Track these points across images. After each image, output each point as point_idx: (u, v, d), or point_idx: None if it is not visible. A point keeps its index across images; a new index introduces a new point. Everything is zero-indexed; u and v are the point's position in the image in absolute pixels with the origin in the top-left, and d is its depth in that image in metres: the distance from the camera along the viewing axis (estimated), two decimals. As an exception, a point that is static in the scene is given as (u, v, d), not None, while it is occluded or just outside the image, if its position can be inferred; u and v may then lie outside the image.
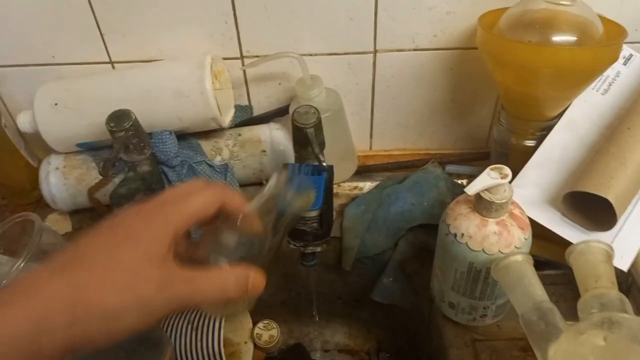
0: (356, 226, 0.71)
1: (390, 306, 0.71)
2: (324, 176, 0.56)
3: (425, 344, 0.67)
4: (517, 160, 0.66)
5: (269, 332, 0.75)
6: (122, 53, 0.71)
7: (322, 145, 0.60)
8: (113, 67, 0.73)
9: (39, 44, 0.70)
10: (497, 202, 0.49)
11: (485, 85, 0.73)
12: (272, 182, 0.39)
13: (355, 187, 0.77)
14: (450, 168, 0.77)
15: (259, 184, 0.76)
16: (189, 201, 0.34)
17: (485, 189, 0.49)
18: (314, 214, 0.57)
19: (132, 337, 0.30)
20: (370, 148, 0.83)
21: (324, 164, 0.56)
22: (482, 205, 0.50)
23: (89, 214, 0.74)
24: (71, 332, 0.29)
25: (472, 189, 0.48)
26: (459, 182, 0.76)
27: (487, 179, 0.48)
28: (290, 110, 0.72)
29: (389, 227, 0.70)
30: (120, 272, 0.30)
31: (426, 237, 0.69)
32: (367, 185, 0.77)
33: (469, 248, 0.51)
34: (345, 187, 0.76)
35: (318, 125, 0.59)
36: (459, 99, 0.75)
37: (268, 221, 0.38)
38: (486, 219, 0.50)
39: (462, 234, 0.51)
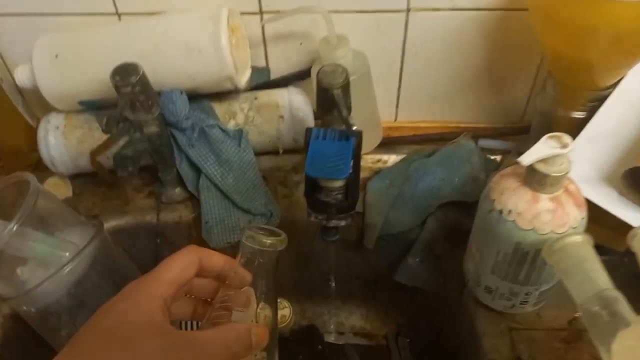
0: (380, 202, 0.65)
1: (412, 289, 0.65)
2: (352, 142, 0.50)
3: (452, 331, 0.62)
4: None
5: (280, 311, 0.70)
6: (130, 2, 0.65)
7: (349, 109, 0.54)
8: (119, 19, 0.66)
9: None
10: (554, 175, 0.43)
11: (527, 53, 0.67)
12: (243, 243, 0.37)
13: (379, 160, 0.71)
14: (483, 143, 0.71)
15: (275, 152, 0.70)
16: (166, 268, 0.34)
17: (540, 160, 0.43)
18: (339, 184, 0.51)
19: None
20: (396, 119, 0.76)
21: (354, 127, 0.49)
22: (534, 178, 0.44)
23: (91, 179, 0.69)
24: None
25: (526, 158, 0.42)
26: (492, 158, 0.70)
27: (545, 149, 0.42)
28: (313, 73, 0.66)
29: (416, 203, 0.64)
30: (122, 352, 0.30)
31: (457, 215, 0.63)
32: (391, 159, 0.71)
33: (517, 227, 0.45)
34: (367, 159, 0.70)
35: (346, 87, 0.53)
36: (496, 68, 0.69)
37: (255, 272, 0.37)
38: (538, 194, 0.44)
39: (510, 211, 0.45)
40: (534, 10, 0.55)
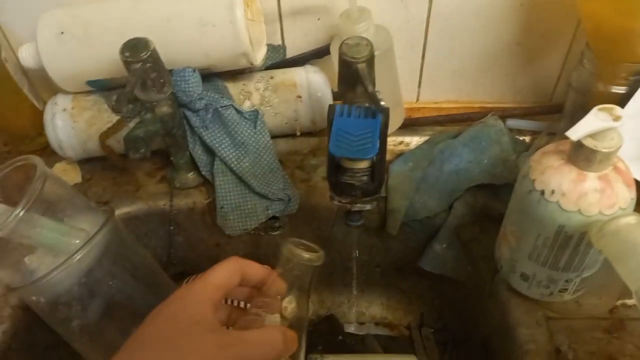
0: (403, 185, 0.62)
1: (436, 276, 0.62)
2: (379, 119, 0.47)
3: (481, 321, 0.59)
4: (599, 111, 0.56)
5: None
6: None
7: (374, 85, 0.51)
8: (128, -5, 0.63)
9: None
10: (603, 151, 0.39)
11: (560, 26, 0.63)
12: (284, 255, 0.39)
13: (401, 142, 0.67)
14: (512, 123, 0.67)
15: (292, 135, 0.66)
16: (212, 275, 0.36)
17: (588, 135, 0.39)
18: (364, 164, 0.48)
19: None
20: (418, 99, 0.73)
21: (382, 103, 0.46)
22: (581, 155, 0.40)
23: (101, 164, 0.66)
24: None
25: (575, 132, 0.38)
26: (521, 139, 0.66)
27: (596, 121, 0.38)
28: (332, 50, 0.62)
29: (441, 187, 0.61)
30: (179, 347, 0.32)
31: (487, 199, 0.60)
32: (414, 141, 0.67)
33: (561, 208, 0.41)
34: (389, 142, 0.66)
35: (370, 60, 0.50)
36: (527, 42, 0.65)
37: (291, 283, 0.39)
38: (585, 172, 0.41)
39: (553, 191, 0.42)
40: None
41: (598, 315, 0.50)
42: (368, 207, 0.50)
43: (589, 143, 0.39)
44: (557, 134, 0.63)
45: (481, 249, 0.57)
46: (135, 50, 0.51)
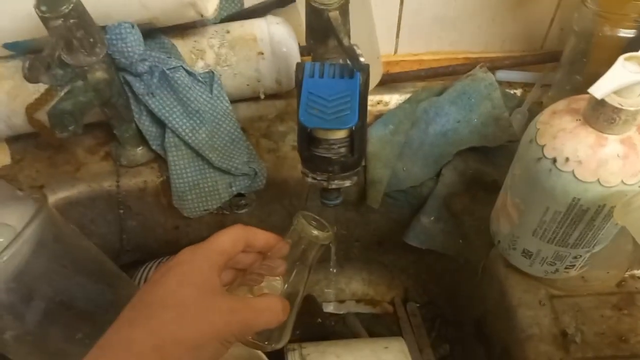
0: (384, 152, 0.55)
1: (421, 250, 0.56)
2: (358, 79, 0.39)
3: (474, 298, 0.54)
4: (604, 58, 0.49)
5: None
6: None
7: (349, 36, 0.43)
8: None
9: None
10: (630, 109, 0.32)
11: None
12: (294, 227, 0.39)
13: (380, 102, 0.60)
14: (502, 75, 0.60)
15: (255, 98, 0.58)
16: (216, 241, 0.36)
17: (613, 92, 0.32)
18: (341, 134, 0.40)
19: None
20: (396, 52, 0.65)
21: (361, 59, 0.38)
22: (602, 114, 0.34)
23: (33, 141, 0.57)
24: None
25: (600, 89, 0.31)
26: (512, 92, 0.60)
27: (625, 74, 0.31)
28: (297, -4, 0.53)
29: (427, 152, 0.54)
30: (192, 308, 0.32)
31: (479, 164, 0.54)
32: (393, 99, 0.60)
33: (576, 178, 0.35)
34: (365, 101, 0.59)
35: (344, 7, 0.41)
36: (517, -19, 0.57)
37: (295, 254, 0.39)
38: (605, 135, 0.34)
39: (567, 159, 0.35)
40: None
41: (606, 291, 0.45)
42: (347, 183, 0.42)
43: (612, 100, 0.33)
44: (552, 85, 0.57)
45: (474, 221, 0.51)
46: (54, 3, 0.41)
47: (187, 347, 0.31)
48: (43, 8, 0.41)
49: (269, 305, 0.35)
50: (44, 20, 0.42)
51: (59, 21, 0.42)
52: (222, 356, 0.33)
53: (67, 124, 0.43)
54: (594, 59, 0.51)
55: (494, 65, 0.60)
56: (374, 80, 0.59)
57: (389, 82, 0.61)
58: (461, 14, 0.60)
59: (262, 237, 0.38)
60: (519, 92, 0.60)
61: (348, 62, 0.40)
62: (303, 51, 0.57)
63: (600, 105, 0.33)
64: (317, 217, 0.40)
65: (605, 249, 0.43)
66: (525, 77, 0.60)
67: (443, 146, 0.54)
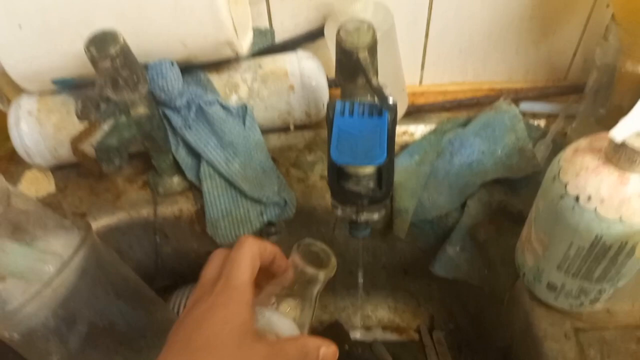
0: (410, 182, 0.56)
1: (447, 278, 0.57)
2: (386, 117, 0.41)
3: (501, 328, 0.54)
4: (626, 92, 0.51)
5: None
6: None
7: (377, 74, 0.45)
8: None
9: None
10: (652, 151, 0.33)
11: (578, -4, 0.57)
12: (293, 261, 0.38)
13: (405, 133, 0.62)
14: (526, 106, 0.61)
15: (285, 129, 0.60)
16: (242, 270, 0.34)
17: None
18: (370, 169, 0.42)
19: None
20: (421, 83, 0.67)
21: (390, 99, 0.40)
22: (623, 155, 0.35)
23: (76, 170, 0.60)
24: None
25: (621, 132, 0.33)
26: (535, 124, 0.61)
27: (645, 118, 0.32)
28: (326, 33, 0.55)
29: (452, 182, 0.56)
30: (236, 355, 0.31)
31: (503, 195, 0.55)
32: (419, 130, 0.62)
33: (598, 216, 0.36)
34: (392, 132, 0.61)
35: (373, 48, 0.43)
36: (541, 14, 0.59)
37: (298, 289, 0.37)
38: (627, 174, 0.35)
39: (589, 197, 0.36)
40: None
41: (631, 324, 0.45)
42: (376, 216, 0.44)
43: (633, 142, 0.34)
44: (576, 116, 0.58)
45: (499, 252, 0.52)
46: (102, 45, 0.45)
47: None
48: (93, 50, 0.45)
49: (304, 350, 0.34)
50: (93, 61, 0.45)
51: (107, 62, 0.45)
52: None
53: (113, 158, 0.46)
54: (617, 93, 0.52)
55: (518, 97, 0.62)
56: (399, 111, 0.61)
57: (415, 112, 0.63)
58: (484, 45, 0.62)
59: (271, 252, 0.37)
60: (542, 122, 0.61)
61: (376, 100, 0.42)
62: (331, 83, 0.59)
63: (621, 146, 0.34)
64: (319, 245, 0.39)
65: (630, 282, 0.43)
66: (549, 108, 0.61)
67: (468, 177, 0.55)
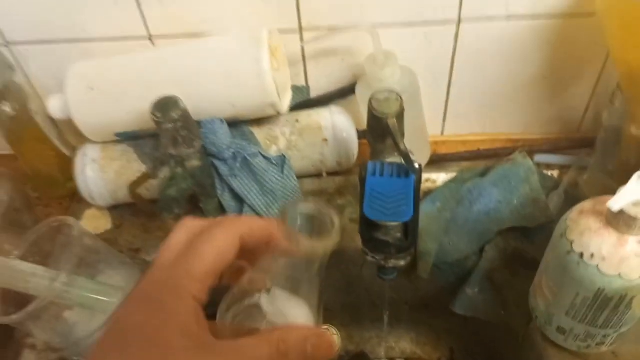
0: (433, 227, 0.61)
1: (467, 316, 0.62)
2: (412, 179, 0.47)
3: (516, 364, 0.59)
4: (632, 152, 0.56)
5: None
6: (161, 25, 0.61)
7: (403, 136, 0.51)
8: (152, 43, 0.63)
9: (62, 14, 0.61)
10: (645, 218, 0.39)
11: (588, 58, 0.62)
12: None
13: (428, 180, 0.67)
14: (540, 158, 0.66)
15: (319, 175, 0.67)
16: (199, 258, 0.29)
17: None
18: (397, 222, 0.48)
19: None
20: (443, 133, 0.72)
21: (415, 164, 0.46)
22: (622, 220, 0.40)
23: (130, 210, 0.67)
24: None
25: (618, 203, 0.38)
26: (549, 174, 0.66)
27: (638, 191, 0.38)
28: (358, 91, 0.62)
29: (471, 228, 0.61)
30: (156, 350, 0.26)
31: (519, 242, 0.60)
32: (441, 178, 0.67)
33: (600, 272, 0.41)
34: (415, 179, 0.66)
35: (400, 115, 0.50)
36: (554, 75, 0.64)
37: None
38: (625, 236, 0.40)
39: (592, 255, 0.41)
40: (606, 17, 0.50)
41: (636, 365, 0.50)
42: (402, 263, 0.50)
43: (629, 210, 0.39)
44: (588, 169, 0.63)
45: (514, 294, 0.57)
46: (166, 110, 0.51)
47: None
48: (158, 114, 0.52)
49: (265, 349, 0.28)
50: (158, 124, 0.52)
51: (170, 125, 0.52)
52: None
53: (173, 208, 0.53)
54: (624, 151, 0.57)
55: (533, 149, 0.67)
56: (423, 160, 0.67)
57: (437, 161, 0.68)
58: (501, 102, 0.67)
59: (259, 233, 0.31)
60: (556, 173, 0.66)
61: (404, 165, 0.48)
62: (361, 135, 0.65)
63: (620, 212, 0.40)
64: (314, 206, 0.33)
65: (635, 327, 0.48)
66: (562, 159, 0.66)
67: (486, 224, 0.60)
